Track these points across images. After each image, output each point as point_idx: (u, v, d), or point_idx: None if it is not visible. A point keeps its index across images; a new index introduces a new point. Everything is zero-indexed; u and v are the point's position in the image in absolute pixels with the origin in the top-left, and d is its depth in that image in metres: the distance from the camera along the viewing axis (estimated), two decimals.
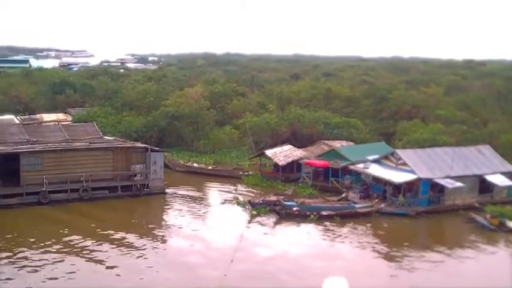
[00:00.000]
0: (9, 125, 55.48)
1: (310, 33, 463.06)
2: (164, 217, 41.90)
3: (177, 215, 41.47)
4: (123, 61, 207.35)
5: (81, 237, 35.31)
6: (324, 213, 40.53)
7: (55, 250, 32.84)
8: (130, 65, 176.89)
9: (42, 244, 33.74)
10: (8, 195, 41.75)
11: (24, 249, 32.82)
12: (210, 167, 56.22)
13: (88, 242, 34.42)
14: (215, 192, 48.77)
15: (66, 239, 35.16)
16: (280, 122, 62.77)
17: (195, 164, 56.98)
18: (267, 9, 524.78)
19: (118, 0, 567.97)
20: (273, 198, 43.18)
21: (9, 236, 35.39)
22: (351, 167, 47.57)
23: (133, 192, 45.80)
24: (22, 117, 69.55)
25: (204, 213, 42.44)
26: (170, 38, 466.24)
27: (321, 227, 38.75)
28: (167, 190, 47.44)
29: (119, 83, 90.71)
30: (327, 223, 39.41)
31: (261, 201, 42.79)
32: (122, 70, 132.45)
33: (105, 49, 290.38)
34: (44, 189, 42.42)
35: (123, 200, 44.62)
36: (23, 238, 35.05)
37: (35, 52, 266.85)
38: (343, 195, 45.17)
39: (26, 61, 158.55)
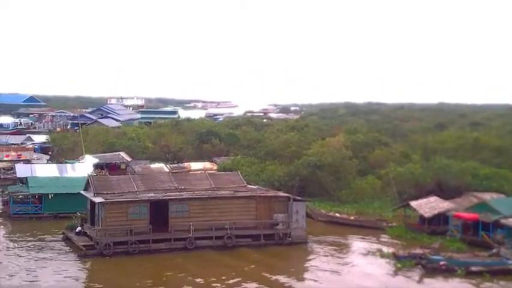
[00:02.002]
0: (159, 173, 58.33)
1: (455, 80, 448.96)
2: (306, 267, 41.69)
3: (319, 265, 41.13)
4: (265, 111, 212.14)
5: (240, 279, 36.72)
6: (473, 268, 38.45)
7: None
8: (273, 115, 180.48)
9: None
10: (158, 241, 43.54)
11: None
12: (352, 217, 55.47)
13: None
14: (358, 243, 47.92)
15: (231, 282, 36.59)
16: (425, 172, 60.93)
17: (337, 214, 56.47)
18: (408, 59, 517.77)
19: (260, 52, 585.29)
20: (419, 251, 41.69)
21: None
22: (503, 220, 45.01)
23: (276, 241, 46.05)
24: (171, 165, 72.69)
25: (347, 264, 41.79)
26: (311, 88, 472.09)
27: (469, 284, 36.79)
28: (309, 240, 47.32)
29: (262, 133, 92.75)
30: (476, 280, 37.33)
31: (406, 254, 41.46)
32: (264, 120, 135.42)
33: (248, 100, 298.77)
34: (190, 235, 43.81)
35: (266, 248, 44.93)
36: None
37: (183, 103, 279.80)
38: (494, 250, 42.60)
39: (175, 112, 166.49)
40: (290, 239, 46.49)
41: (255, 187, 51.32)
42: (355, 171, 67.47)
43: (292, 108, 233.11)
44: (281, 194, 49.43)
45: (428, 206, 50.90)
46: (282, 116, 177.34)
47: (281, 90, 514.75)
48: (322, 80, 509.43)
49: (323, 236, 49.45)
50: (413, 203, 51.88)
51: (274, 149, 74.01)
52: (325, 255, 43.81)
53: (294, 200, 47.77)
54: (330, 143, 71.42)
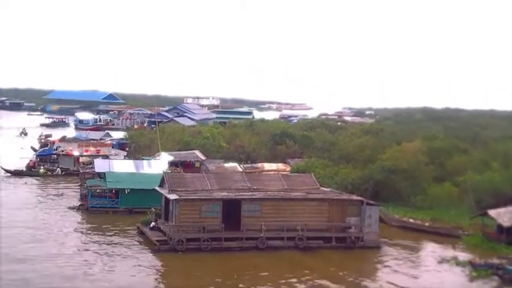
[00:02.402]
0: (233, 173, 58.79)
1: None
2: (380, 271, 41.17)
3: (391, 271, 40.54)
4: (340, 114, 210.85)
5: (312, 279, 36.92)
6: None
7: None
8: (347, 118, 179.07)
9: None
10: (229, 239, 43.88)
11: None
12: (426, 224, 54.26)
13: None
14: (432, 250, 46.92)
15: (303, 282, 36.77)
16: (505, 181, 58.97)
17: (410, 220, 55.37)
18: (492, 61, 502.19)
19: (337, 54, 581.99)
20: (496, 261, 40.40)
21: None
22: None
23: (348, 244, 45.61)
24: (245, 165, 73.12)
25: (421, 270, 41.05)
26: (387, 92, 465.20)
27: None
28: (381, 244, 46.63)
29: (336, 136, 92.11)
30: None
31: (483, 263, 40.26)
32: (339, 123, 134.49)
33: (323, 102, 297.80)
34: (262, 235, 43.94)
35: (337, 251, 44.58)
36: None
37: (258, 104, 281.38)
38: None
39: (250, 113, 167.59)
40: (362, 242, 45.93)
41: (328, 190, 51.00)
42: (431, 178, 65.99)
43: (367, 112, 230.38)
44: (354, 197, 48.92)
45: (508, 215, 49.14)
46: (356, 119, 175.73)
47: (356, 93, 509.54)
48: (398, 83, 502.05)
49: (396, 241, 48.62)
50: (491, 212, 50.23)
51: (348, 152, 73.37)
52: (398, 261, 43.11)
53: (368, 204, 47.19)
54: (405, 148, 70.19)
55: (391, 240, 48.29)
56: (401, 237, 49.90)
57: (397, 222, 54.52)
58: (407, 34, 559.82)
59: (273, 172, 64.44)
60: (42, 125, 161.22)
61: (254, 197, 46.03)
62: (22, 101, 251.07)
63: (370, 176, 62.38)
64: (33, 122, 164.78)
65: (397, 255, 44.81)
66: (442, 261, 43.22)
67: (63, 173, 76.41)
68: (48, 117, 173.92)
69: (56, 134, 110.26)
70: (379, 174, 62.43)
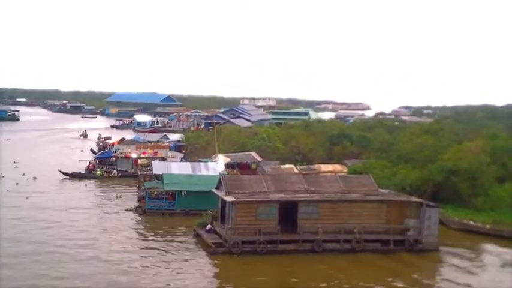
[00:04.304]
0: (289, 174, 58.35)
1: None
2: (438, 275, 40.16)
3: (451, 275, 39.55)
4: (397, 113, 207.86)
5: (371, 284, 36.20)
6: None
7: None
8: (405, 118, 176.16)
9: None
10: (286, 241, 43.49)
11: None
12: (487, 226, 52.62)
13: None
14: (493, 253, 45.47)
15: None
16: None
17: (471, 222, 53.82)
18: None
19: (394, 52, 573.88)
20: None
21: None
22: None
23: (406, 247, 44.68)
24: (301, 166, 72.56)
25: (481, 274, 39.87)
26: (446, 89, 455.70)
27: None
28: (441, 247, 45.42)
29: (394, 136, 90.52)
30: None
31: None
32: (396, 123, 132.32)
33: (380, 101, 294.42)
34: (318, 237, 43.41)
35: (395, 254, 43.66)
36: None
37: (314, 104, 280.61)
38: None
39: (306, 113, 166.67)
40: (421, 245, 44.91)
41: (387, 191, 50.02)
42: (493, 178, 64.01)
43: (425, 111, 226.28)
44: (413, 199, 47.82)
45: None
46: (414, 119, 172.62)
47: (414, 91, 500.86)
48: (457, 80, 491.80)
49: (456, 244, 47.29)
50: None
51: (407, 153, 71.88)
52: (459, 264, 42.05)
53: (427, 205, 46.06)
54: (466, 148, 68.32)
55: (451, 243, 46.95)
56: (461, 240, 48.62)
57: (457, 225, 53.12)
58: (466, 29, 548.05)
59: (329, 173, 63.72)
60: (112, 126, 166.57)
61: (311, 198, 45.52)
62: (82, 104, 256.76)
63: (429, 177, 60.92)
64: (97, 124, 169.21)
65: (457, 258, 43.68)
66: (504, 264, 41.92)
67: (120, 175, 77.44)
68: (118, 120, 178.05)
69: (115, 137, 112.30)
70: (439, 175, 60.90)
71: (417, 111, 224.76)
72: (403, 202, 46.44)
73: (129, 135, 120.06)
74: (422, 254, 44.16)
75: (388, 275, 39.19)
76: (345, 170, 70.05)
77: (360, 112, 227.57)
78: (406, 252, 44.12)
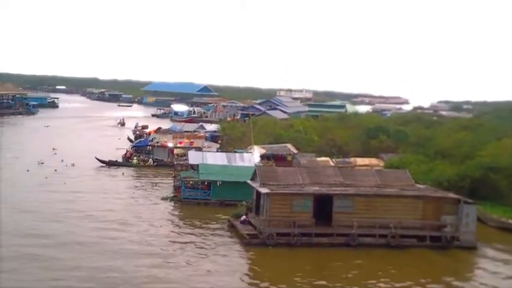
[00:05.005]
0: (325, 167, 58.05)
1: None
2: (475, 274, 39.57)
3: (488, 273, 39.08)
4: (436, 108, 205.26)
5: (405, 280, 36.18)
6: None
7: None
8: (444, 113, 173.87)
9: None
10: (320, 235, 43.30)
11: None
12: None
13: None
14: None
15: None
16: None
17: (510, 220, 52.86)
18: None
19: (434, 45, 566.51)
20: None
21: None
22: None
23: (443, 244, 44.06)
24: (336, 159, 72.14)
25: None
26: (486, 84, 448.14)
27: None
28: (478, 245, 44.66)
29: (432, 131, 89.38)
30: None
31: None
32: (434, 118, 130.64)
33: (418, 95, 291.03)
34: (353, 232, 43.11)
35: (431, 251, 43.11)
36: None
37: (350, 97, 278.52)
38: None
39: (343, 106, 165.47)
40: (458, 242, 44.23)
41: (423, 187, 49.40)
42: None
43: (465, 107, 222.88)
44: (451, 195, 47.08)
45: None
46: (453, 114, 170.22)
47: (453, 85, 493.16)
48: (499, 75, 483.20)
49: (494, 242, 46.52)
50: None
51: (444, 148, 70.91)
52: (496, 262, 41.47)
53: (465, 202, 45.35)
54: (506, 144, 67.06)
55: (489, 242, 46.14)
56: (499, 238, 47.81)
57: (495, 223, 52.20)
58: (508, 22, 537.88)
59: (365, 167, 63.21)
60: (153, 115, 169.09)
61: (346, 192, 45.20)
62: (120, 93, 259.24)
63: (467, 173, 59.97)
64: (135, 113, 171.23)
65: (494, 256, 42.99)
66: None
67: (155, 164, 77.95)
68: (159, 109, 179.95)
69: (152, 126, 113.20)
70: (477, 171, 59.91)
71: (456, 107, 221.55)
72: (440, 198, 45.81)
73: (166, 124, 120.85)
74: (459, 251, 43.51)
75: (426, 273, 38.71)
76: (381, 164, 69.38)
77: (398, 106, 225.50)
78: (442, 249, 43.48)
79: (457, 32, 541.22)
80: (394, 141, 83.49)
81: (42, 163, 73.30)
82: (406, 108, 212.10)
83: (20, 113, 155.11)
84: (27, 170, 67.89)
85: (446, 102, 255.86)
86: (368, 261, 40.36)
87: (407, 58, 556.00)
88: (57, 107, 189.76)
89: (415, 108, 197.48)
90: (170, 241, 43.02)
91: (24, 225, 44.53)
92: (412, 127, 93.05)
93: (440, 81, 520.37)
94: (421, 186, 49.43)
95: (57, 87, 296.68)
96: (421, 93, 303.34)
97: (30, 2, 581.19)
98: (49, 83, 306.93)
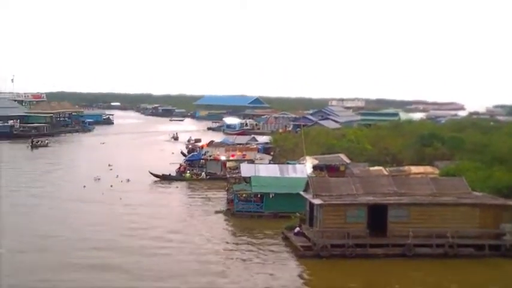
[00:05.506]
0: (378, 176, 57.33)
1: None
2: None
3: None
4: (492, 113, 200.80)
5: None
6: None
7: None
8: (500, 117, 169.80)
9: None
10: (375, 245, 42.72)
11: None
12: None
13: None
14: None
15: None
16: None
17: None
18: None
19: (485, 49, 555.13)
20: None
21: None
22: None
23: (502, 252, 42.91)
24: (390, 168, 71.18)
25: None
26: None
27: None
28: None
29: (489, 136, 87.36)
30: None
31: None
32: (491, 123, 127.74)
33: (473, 100, 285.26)
34: (409, 242, 42.38)
35: (491, 260, 41.98)
36: None
37: (404, 105, 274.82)
38: None
39: (396, 114, 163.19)
40: None
41: (481, 194, 48.23)
42: None
43: None
44: (509, 202, 45.82)
45: None
46: (510, 119, 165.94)
47: (509, 89, 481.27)
48: None
49: None
50: None
51: (502, 154, 69.11)
52: None
53: None
54: None
55: None
56: None
57: None
58: None
59: (420, 175, 62.14)
60: (209, 128, 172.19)
61: (401, 201, 44.52)
62: (174, 108, 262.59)
63: None
64: (189, 127, 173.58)
65: None
66: None
67: (208, 177, 78.41)
68: (214, 122, 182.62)
69: (205, 139, 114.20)
70: None
71: None
72: (497, 206, 44.67)
73: (218, 137, 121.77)
74: None
75: (490, 283, 37.76)
76: (436, 171, 68.07)
77: (453, 112, 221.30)
78: (503, 258, 42.35)
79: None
80: (449, 149, 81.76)
81: (99, 179, 74.71)
82: (462, 114, 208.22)
83: (77, 131, 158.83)
84: (84, 186, 69.36)
85: (503, 106, 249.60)
86: (429, 273, 39.42)
87: (462, 62, 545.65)
88: (112, 123, 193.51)
89: (471, 114, 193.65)
90: (225, 253, 43.28)
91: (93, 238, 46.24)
92: (468, 133, 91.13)
93: (496, 85, 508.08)
94: (478, 194, 48.24)
95: (112, 103, 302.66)
96: (476, 98, 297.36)
97: (87, 24, 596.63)
98: (104, 100, 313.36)
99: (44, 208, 58.25)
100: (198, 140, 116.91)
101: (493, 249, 42.94)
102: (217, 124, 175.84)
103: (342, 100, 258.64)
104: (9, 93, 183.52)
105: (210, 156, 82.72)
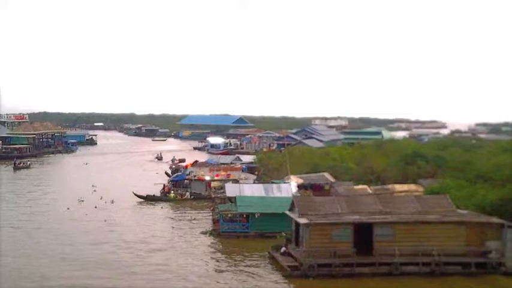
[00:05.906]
0: (363, 195, 57.45)
1: None
2: None
3: None
4: (474, 131, 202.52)
5: None
6: None
7: None
8: (482, 135, 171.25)
9: None
10: (361, 264, 42.68)
11: None
12: None
13: None
14: None
15: None
16: None
17: None
18: None
19: (469, 64, 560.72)
20: None
21: None
22: None
23: (488, 270, 43.02)
24: (374, 187, 71.36)
25: None
26: None
27: None
28: None
29: (471, 154, 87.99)
30: None
31: None
32: (473, 141, 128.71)
33: (455, 118, 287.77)
34: (395, 260, 42.41)
35: (477, 278, 42.08)
36: None
37: (386, 123, 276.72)
38: None
39: (379, 133, 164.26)
40: (504, 268, 43.11)
41: (465, 212, 48.49)
42: None
43: (504, 129, 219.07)
44: (494, 219, 46.10)
45: None
46: (492, 136, 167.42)
47: (492, 107, 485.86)
48: None
49: None
50: None
51: (485, 172, 69.58)
52: None
53: (509, 226, 44.33)
54: None
55: None
56: None
57: None
58: None
59: (405, 193, 62.36)
60: (195, 148, 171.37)
61: (386, 220, 44.62)
62: (157, 128, 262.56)
63: (510, 197, 58.71)
64: (173, 146, 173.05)
65: None
66: None
67: (193, 197, 78.07)
68: (200, 141, 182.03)
69: (189, 159, 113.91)
70: None
71: (495, 129, 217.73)
72: (483, 223, 44.86)
73: (203, 157, 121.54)
74: (505, 278, 42.38)
75: None
76: (421, 189, 68.37)
77: (435, 130, 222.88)
78: (490, 276, 42.45)
79: (494, 52, 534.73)
80: (433, 167, 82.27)
81: (83, 201, 74.10)
82: (444, 132, 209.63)
83: (60, 151, 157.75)
84: (68, 208, 68.73)
85: (485, 124, 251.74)
86: None
87: (444, 80, 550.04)
88: (96, 143, 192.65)
89: (453, 132, 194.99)
90: (211, 275, 43.04)
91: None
92: (451, 151, 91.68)
93: (478, 103, 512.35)
94: (463, 211, 48.51)
95: (95, 124, 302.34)
96: (458, 116, 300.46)
97: (69, 44, 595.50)
98: (87, 121, 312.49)
99: (21, 233, 56.44)
100: (182, 160, 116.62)
101: (479, 267, 43.06)
102: (203, 143, 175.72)
103: (325, 119, 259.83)
104: None
105: (195, 176, 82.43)
